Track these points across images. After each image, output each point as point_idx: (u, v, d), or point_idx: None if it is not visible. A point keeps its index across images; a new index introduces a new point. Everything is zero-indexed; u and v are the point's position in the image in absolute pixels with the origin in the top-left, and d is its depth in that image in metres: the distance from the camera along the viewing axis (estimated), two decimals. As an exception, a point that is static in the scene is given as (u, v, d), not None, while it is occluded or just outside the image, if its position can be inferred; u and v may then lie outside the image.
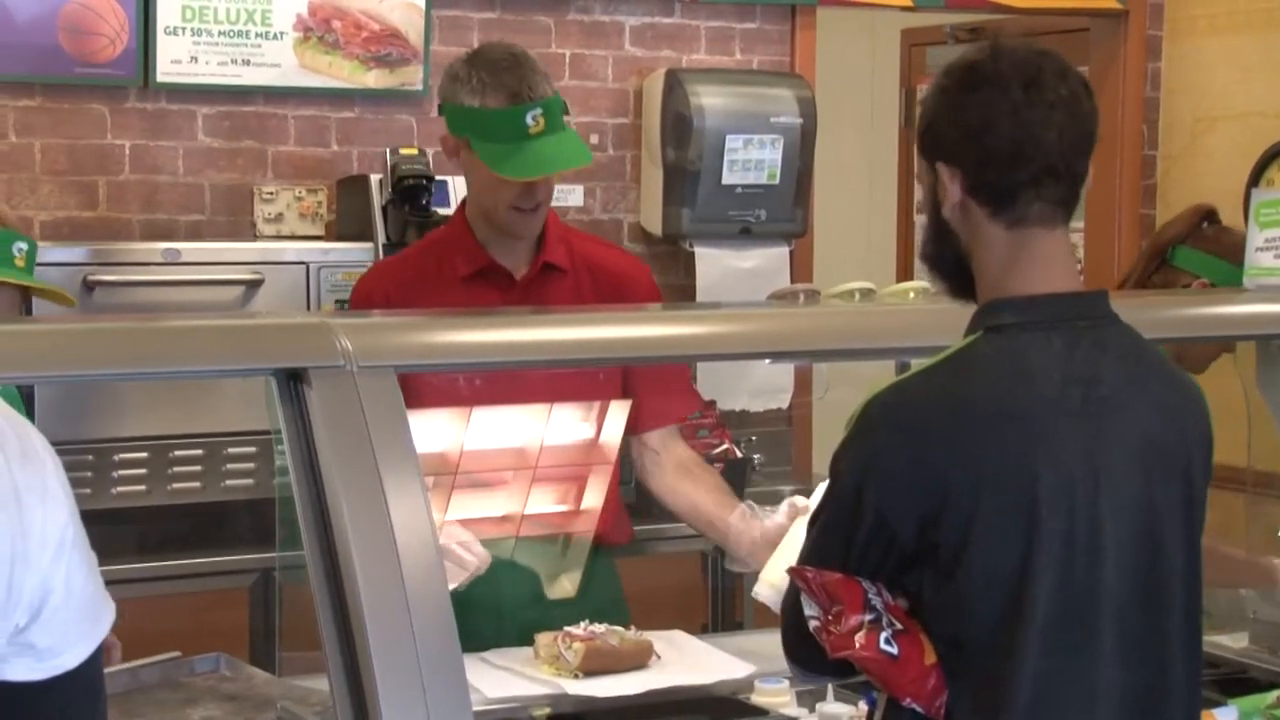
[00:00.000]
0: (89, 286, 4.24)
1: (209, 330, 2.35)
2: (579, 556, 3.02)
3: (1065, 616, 2.00)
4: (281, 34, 4.79)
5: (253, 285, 4.42)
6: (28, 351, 2.16)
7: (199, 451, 4.32)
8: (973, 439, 2.00)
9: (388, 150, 4.64)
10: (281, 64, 4.80)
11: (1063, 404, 2.03)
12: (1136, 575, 2.04)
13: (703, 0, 5.37)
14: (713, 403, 5.08)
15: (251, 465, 4.32)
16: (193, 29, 4.68)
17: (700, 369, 4.63)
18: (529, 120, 3.01)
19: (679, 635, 2.97)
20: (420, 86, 4.95)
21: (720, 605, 4.77)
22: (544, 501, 2.93)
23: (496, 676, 2.71)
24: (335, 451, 2.07)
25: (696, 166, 5.10)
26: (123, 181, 4.71)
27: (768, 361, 4.59)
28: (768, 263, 5.25)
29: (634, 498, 3.39)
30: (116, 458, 4.24)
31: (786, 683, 2.71)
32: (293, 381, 2.12)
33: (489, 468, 2.85)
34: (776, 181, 5.17)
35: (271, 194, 4.74)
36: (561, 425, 2.89)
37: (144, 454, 4.27)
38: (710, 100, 5.12)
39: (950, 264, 2.15)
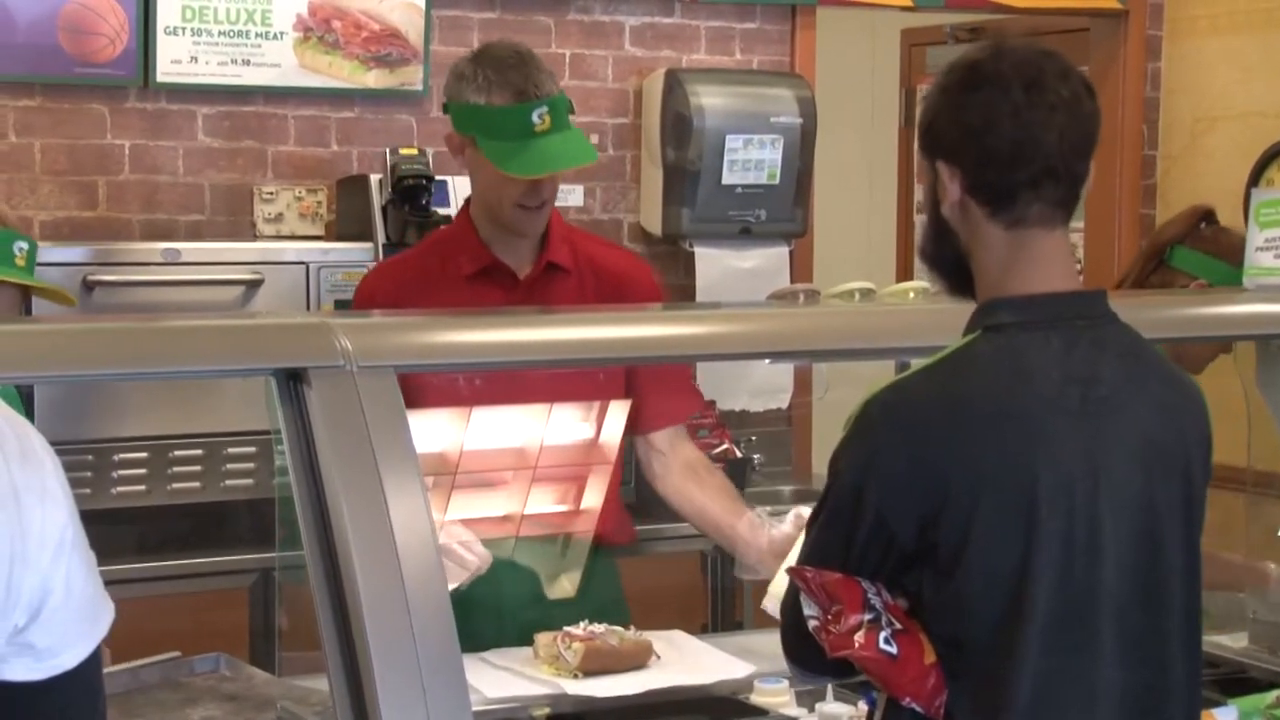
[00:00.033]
0: (89, 286, 4.23)
1: (209, 330, 2.35)
2: (579, 556, 3.02)
3: (1065, 616, 2.00)
4: (281, 34, 4.79)
5: (252, 285, 4.42)
6: (28, 351, 2.16)
7: (199, 451, 4.32)
8: (972, 438, 2.00)
9: (387, 150, 4.65)
10: (281, 64, 4.80)
11: (1062, 403, 2.03)
12: (1136, 575, 2.04)
13: (703, 0, 5.37)
14: (713, 403, 5.08)
15: (251, 465, 4.32)
16: (193, 29, 4.68)
17: (700, 369, 4.63)
18: (535, 118, 3.01)
19: (679, 635, 2.97)
20: (420, 86, 4.95)
21: (720, 605, 4.77)
22: (544, 501, 2.93)
23: (496, 676, 2.71)
24: (335, 451, 2.07)
25: (696, 166, 5.10)
26: (122, 181, 4.71)
27: (768, 361, 4.59)
28: (768, 263, 5.25)
29: (634, 498, 3.39)
30: (116, 458, 4.24)
31: (786, 683, 2.71)
32: (292, 381, 2.12)
33: (489, 468, 2.85)
34: (776, 181, 5.17)
35: (271, 194, 4.74)
36: (561, 425, 2.89)
37: (144, 454, 4.27)
38: (710, 100, 5.12)
39: (949, 262, 2.15)
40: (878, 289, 3.14)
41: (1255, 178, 3.78)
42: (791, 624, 2.08)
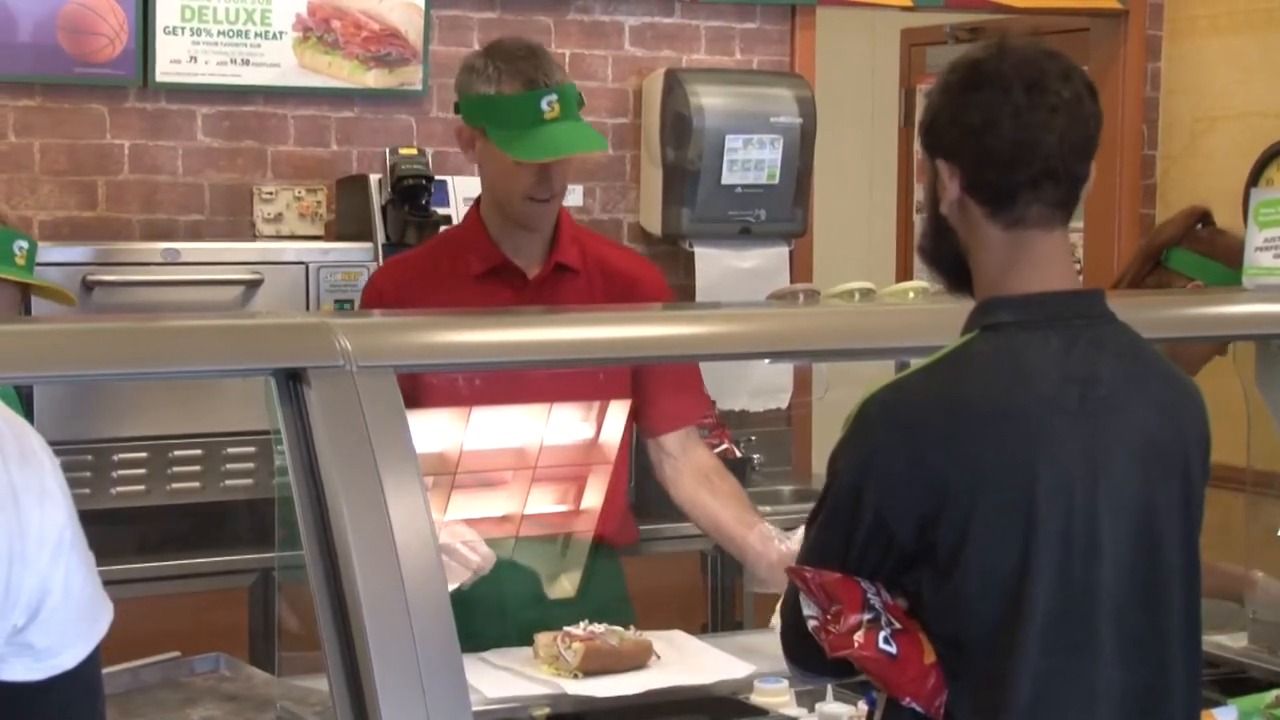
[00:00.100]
0: (88, 286, 4.23)
1: (209, 330, 2.35)
2: (579, 556, 3.02)
3: (1064, 616, 2.00)
4: (281, 34, 4.79)
5: (252, 285, 4.42)
6: (28, 351, 2.16)
7: (199, 451, 4.32)
8: (970, 438, 2.00)
9: (387, 150, 4.65)
10: (281, 64, 4.80)
11: (1060, 403, 2.03)
12: (1135, 574, 2.04)
13: (703, 0, 5.37)
14: (713, 403, 5.08)
15: (251, 465, 4.32)
16: (192, 29, 4.68)
17: (700, 369, 4.63)
18: (544, 105, 3.00)
19: (679, 635, 2.97)
20: (420, 86, 4.95)
21: (720, 605, 4.77)
22: (544, 501, 2.93)
23: (496, 676, 2.71)
24: (335, 451, 2.07)
25: (696, 166, 5.10)
26: (122, 181, 4.71)
27: (767, 361, 4.59)
28: (767, 263, 5.25)
29: (635, 497, 3.38)
30: (116, 458, 4.24)
31: (786, 683, 2.71)
32: (292, 381, 2.12)
33: (489, 467, 2.85)
34: (776, 181, 5.17)
35: (271, 194, 4.74)
36: (561, 425, 2.89)
37: (143, 454, 4.27)
38: (710, 100, 5.12)
39: (948, 260, 2.15)
40: (877, 289, 3.14)
41: (1255, 177, 3.79)
42: (791, 624, 2.08)
